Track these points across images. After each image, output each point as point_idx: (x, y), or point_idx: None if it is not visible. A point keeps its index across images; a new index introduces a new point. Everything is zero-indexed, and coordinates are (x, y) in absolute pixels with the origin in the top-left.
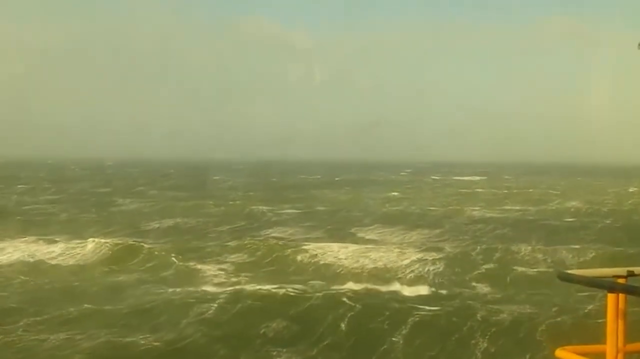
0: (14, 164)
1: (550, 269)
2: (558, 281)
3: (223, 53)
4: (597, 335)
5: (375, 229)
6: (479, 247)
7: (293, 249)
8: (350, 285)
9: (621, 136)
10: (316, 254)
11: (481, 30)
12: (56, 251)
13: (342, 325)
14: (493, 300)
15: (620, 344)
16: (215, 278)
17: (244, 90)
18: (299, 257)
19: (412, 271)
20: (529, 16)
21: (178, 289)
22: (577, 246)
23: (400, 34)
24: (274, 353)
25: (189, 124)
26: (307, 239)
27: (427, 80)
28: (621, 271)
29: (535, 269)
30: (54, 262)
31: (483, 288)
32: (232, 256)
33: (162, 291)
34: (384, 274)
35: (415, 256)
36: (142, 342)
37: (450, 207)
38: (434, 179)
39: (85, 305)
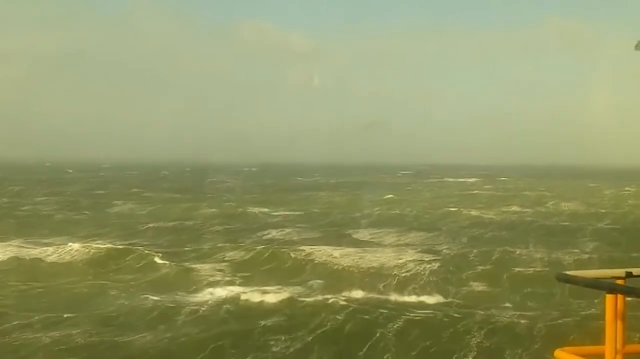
0: (12, 167)
1: (547, 269)
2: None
3: (225, 57)
4: (596, 336)
5: (371, 231)
6: (475, 250)
7: (288, 251)
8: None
9: (621, 137)
10: (310, 255)
11: (481, 33)
12: (35, 254)
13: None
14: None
15: (619, 345)
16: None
17: (246, 94)
18: (292, 259)
19: (407, 272)
20: (529, 18)
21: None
22: (574, 249)
23: (400, 38)
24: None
25: (190, 128)
26: (303, 241)
27: (426, 84)
28: (620, 272)
29: (532, 269)
30: (33, 263)
31: (479, 286)
32: (218, 261)
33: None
34: (378, 274)
35: (410, 258)
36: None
37: (447, 209)
38: (432, 181)
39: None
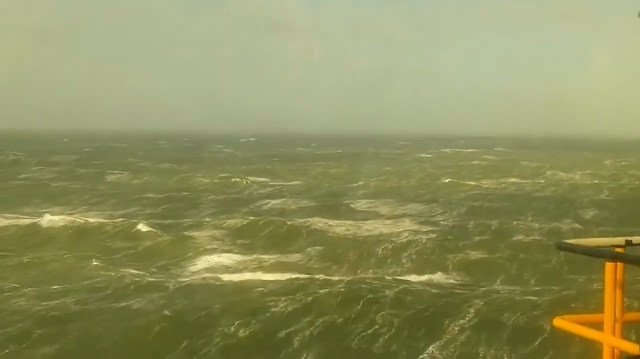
0: (9, 136)
1: (544, 239)
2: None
3: (221, 27)
4: (594, 305)
5: (368, 202)
6: (473, 220)
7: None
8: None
9: (621, 108)
10: (306, 225)
11: (480, 4)
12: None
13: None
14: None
15: (618, 313)
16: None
17: (243, 64)
18: (287, 228)
19: (404, 239)
20: None
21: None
22: (573, 219)
23: (400, 15)
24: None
25: (188, 99)
26: (298, 211)
27: (423, 55)
28: (619, 240)
29: (530, 238)
30: (23, 232)
31: (477, 255)
32: (212, 231)
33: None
34: (375, 242)
35: (407, 228)
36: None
37: (445, 180)
38: (430, 151)
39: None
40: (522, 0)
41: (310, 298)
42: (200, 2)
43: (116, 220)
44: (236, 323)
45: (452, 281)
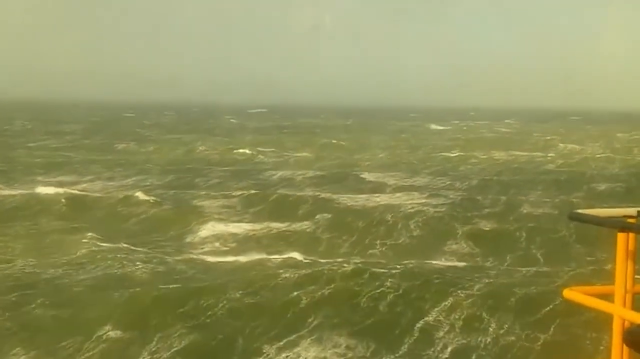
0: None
1: (556, 212)
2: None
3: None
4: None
5: (376, 174)
6: (483, 192)
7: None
8: None
9: (633, 81)
10: (314, 195)
11: None
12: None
13: None
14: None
15: (629, 285)
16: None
17: (255, 36)
18: (294, 198)
19: (412, 209)
20: None
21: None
22: (580, 192)
23: None
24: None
25: (197, 69)
26: (306, 182)
27: (435, 26)
28: (631, 211)
29: (540, 210)
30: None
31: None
32: (221, 198)
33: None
34: (385, 210)
35: (416, 200)
36: None
37: (454, 153)
38: (440, 124)
39: None
40: None
41: (319, 267)
42: None
43: (126, 191)
44: (244, 291)
45: (462, 251)
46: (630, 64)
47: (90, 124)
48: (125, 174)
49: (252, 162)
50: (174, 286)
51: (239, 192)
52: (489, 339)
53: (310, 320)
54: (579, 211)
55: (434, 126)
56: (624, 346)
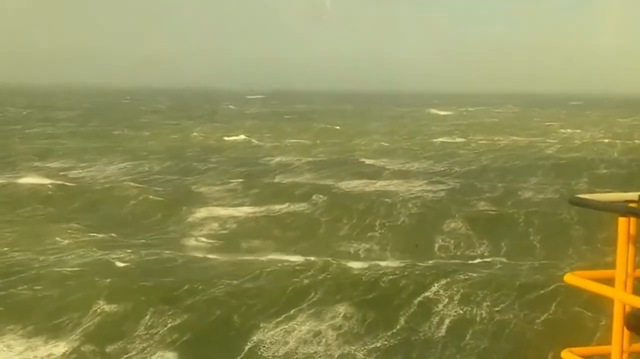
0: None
1: (557, 196)
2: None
3: None
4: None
5: (375, 160)
6: (481, 178)
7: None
8: None
9: (630, 65)
10: (310, 181)
11: None
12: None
13: None
14: None
15: (630, 269)
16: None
17: (251, 20)
18: (292, 184)
19: (411, 195)
20: None
21: None
22: (581, 178)
23: None
24: None
25: (197, 55)
26: (302, 168)
27: (427, 10)
28: (633, 195)
29: (540, 196)
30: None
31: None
32: (218, 184)
33: None
34: (383, 195)
35: (415, 185)
36: None
37: (452, 138)
38: (439, 109)
39: None
40: None
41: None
42: None
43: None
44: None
45: (459, 231)
46: (632, 49)
47: (87, 111)
48: (123, 158)
49: (252, 148)
50: None
51: (238, 178)
52: None
53: None
54: (580, 195)
55: (433, 111)
56: (625, 329)
